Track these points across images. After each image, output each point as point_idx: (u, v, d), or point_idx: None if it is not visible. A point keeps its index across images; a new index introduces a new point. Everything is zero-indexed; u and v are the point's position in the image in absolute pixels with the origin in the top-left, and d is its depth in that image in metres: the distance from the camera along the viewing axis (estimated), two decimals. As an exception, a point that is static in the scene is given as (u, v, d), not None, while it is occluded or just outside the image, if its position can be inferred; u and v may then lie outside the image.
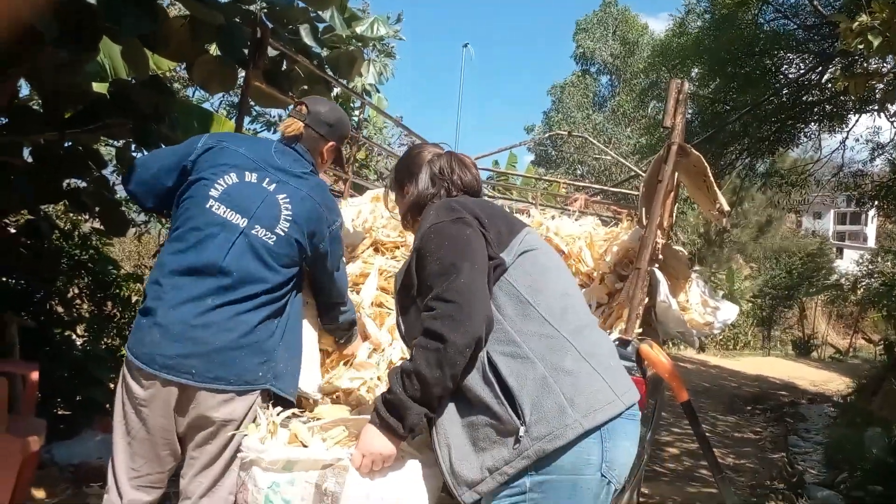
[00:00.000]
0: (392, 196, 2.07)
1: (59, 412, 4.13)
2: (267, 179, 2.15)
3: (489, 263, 1.61)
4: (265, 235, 2.09)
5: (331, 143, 2.33)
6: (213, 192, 2.09)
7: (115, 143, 4.72)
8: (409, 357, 1.57)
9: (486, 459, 1.53)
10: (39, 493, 3.33)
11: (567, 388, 1.53)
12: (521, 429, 1.49)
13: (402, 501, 1.58)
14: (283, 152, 2.23)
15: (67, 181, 4.14)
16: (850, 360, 19.34)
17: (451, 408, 1.60)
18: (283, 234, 2.11)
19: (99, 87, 3.06)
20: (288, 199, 2.14)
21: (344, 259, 2.45)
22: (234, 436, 2.02)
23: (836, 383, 13.25)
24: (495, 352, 1.56)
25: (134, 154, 3.99)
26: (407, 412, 1.54)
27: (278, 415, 1.98)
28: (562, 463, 1.51)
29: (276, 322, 2.11)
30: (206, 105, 7.37)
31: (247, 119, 7.05)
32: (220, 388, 1.98)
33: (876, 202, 10.54)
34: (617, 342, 2.57)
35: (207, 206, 2.07)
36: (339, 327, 2.53)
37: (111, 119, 3.43)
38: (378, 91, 7.16)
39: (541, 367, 1.54)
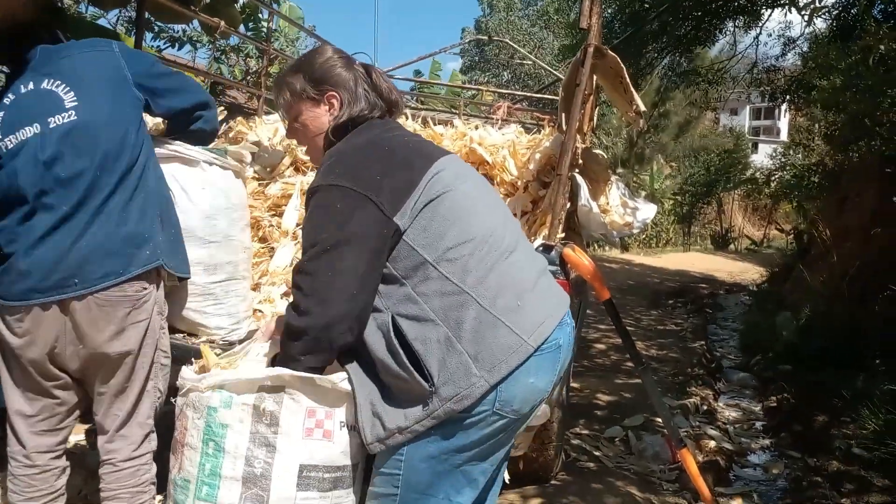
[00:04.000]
0: (292, 115, 1.80)
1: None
2: (21, 86, 1.95)
3: (380, 233, 1.54)
4: (67, 117, 1.91)
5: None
6: None
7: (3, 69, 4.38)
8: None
9: (397, 417, 1.54)
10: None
11: (469, 346, 1.51)
12: (430, 391, 1.50)
13: (337, 413, 1.61)
14: (19, 61, 2.02)
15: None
16: (765, 250, 20.40)
17: (359, 365, 1.60)
18: (77, 103, 1.93)
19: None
20: (51, 80, 1.94)
21: (162, 67, 2.24)
22: (139, 359, 1.98)
23: (751, 273, 14.02)
24: (400, 316, 1.55)
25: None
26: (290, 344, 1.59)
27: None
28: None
29: (142, 199, 1.98)
30: (101, 22, 6.85)
31: (149, 36, 6.61)
32: (111, 283, 1.89)
33: (787, 97, 10.88)
34: (541, 248, 2.62)
35: (3, 150, 1.91)
36: (196, 138, 2.34)
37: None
38: (287, -1, 6.82)
39: (443, 327, 1.52)
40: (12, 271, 1.89)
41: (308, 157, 1.90)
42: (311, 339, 1.54)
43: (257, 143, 3.40)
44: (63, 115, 1.91)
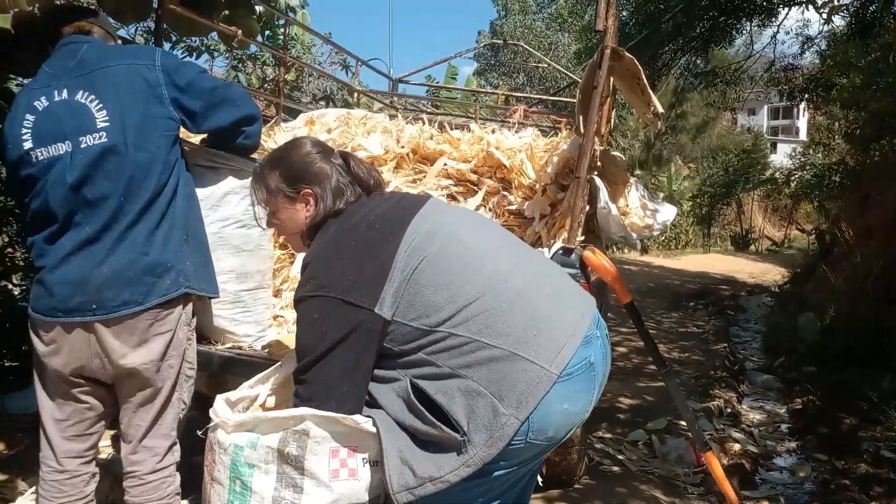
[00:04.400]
0: (270, 210, 1.77)
1: (7, 364, 4.04)
2: (55, 92, 1.94)
3: (363, 328, 1.53)
4: (97, 139, 1.90)
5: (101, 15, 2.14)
6: (28, 145, 1.93)
7: (26, 81, 4.44)
8: None
9: (430, 467, 1.50)
10: (-2, 446, 3.30)
11: (493, 387, 1.48)
12: (462, 440, 1.48)
13: (360, 448, 1.60)
14: (56, 57, 2.01)
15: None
16: (786, 250, 20.21)
17: (386, 419, 1.57)
18: (108, 124, 1.90)
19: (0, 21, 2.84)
20: (85, 92, 1.92)
21: (205, 72, 2.18)
22: (163, 370, 1.98)
23: (772, 274, 13.86)
24: (417, 378, 1.54)
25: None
26: None
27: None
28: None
29: (168, 224, 1.97)
30: (122, 33, 6.94)
31: (166, 46, 6.69)
32: (130, 312, 1.90)
33: (806, 95, 10.78)
34: (561, 251, 2.61)
35: (33, 160, 1.93)
36: (235, 152, 2.31)
37: (17, 55, 3.20)
38: (303, 7, 6.85)
39: (463, 376, 1.50)
40: (40, 286, 1.94)
41: (293, 250, 1.98)
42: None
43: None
44: (94, 135, 1.90)
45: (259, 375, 1.84)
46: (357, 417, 1.58)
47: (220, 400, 1.69)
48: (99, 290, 1.88)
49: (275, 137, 3.56)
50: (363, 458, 1.59)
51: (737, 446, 4.43)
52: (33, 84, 2.00)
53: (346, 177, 1.74)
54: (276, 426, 1.58)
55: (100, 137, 1.89)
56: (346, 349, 1.54)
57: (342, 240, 1.64)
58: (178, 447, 2.10)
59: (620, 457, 4.07)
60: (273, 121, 3.97)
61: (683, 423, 4.51)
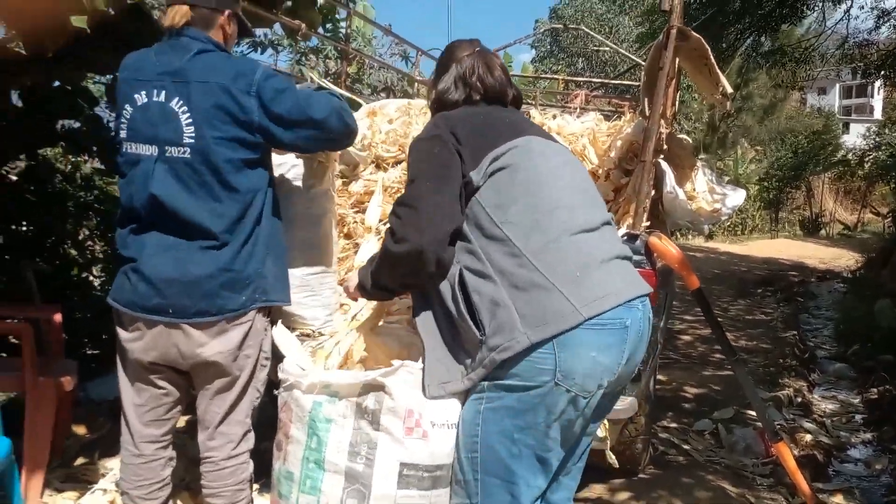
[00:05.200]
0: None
1: (88, 352, 4.23)
2: (155, 91, 1.94)
3: (460, 182, 1.70)
4: (180, 153, 1.91)
5: (227, 13, 2.06)
6: (122, 134, 1.97)
7: (104, 79, 4.63)
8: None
9: (454, 364, 1.68)
10: (80, 430, 3.44)
11: (521, 304, 1.60)
12: (481, 339, 1.61)
13: (430, 412, 1.64)
14: (165, 51, 1.98)
15: (61, 123, 4.06)
16: (859, 234, 19.44)
17: (429, 314, 1.76)
18: (193, 141, 1.91)
19: (77, 21, 2.95)
20: (181, 101, 1.92)
21: (307, 90, 2.15)
22: (240, 360, 2.02)
23: (845, 259, 13.36)
24: (466, 268, 1.68)
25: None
26: (367, 282, 1.84)
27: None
28: (516, 370, 1.60)
29: (249, 241, 1.99)
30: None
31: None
32: (203, 321, 1.94)
33: (882, 72, 10.28)
34: (625, 237, 2.58)
35: (124, 150, 1.98)
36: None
37: (94, 54, 3.33)
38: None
39: (499, 284, 1.62)
40: (124, 279, 2.00)
41: None
42: (402, 263, 1.70)
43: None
44: (178, 148, 1.92)
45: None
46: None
47: (288, 361, 1.74)
48: (177, 297, 1.93)
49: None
50: (431, 421, 1.64)
51: (808, 437, 4.30)
52: (136, 69, 1.99)
53: (476, 75, 1.93)
54: (352, 387, 1.63)
55: (183, 152, 1.92)
56: (450, 188, 1.70)
57: (473, 113, 1.88)
58: (252, 434, 2.14)
59: (686, 447, 4.01)
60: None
61: (751, 412, 4.41)
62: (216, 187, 1.94)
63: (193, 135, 1.91)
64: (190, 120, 1.92)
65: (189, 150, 1.92)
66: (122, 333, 2.03)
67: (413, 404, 1.62)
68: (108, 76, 4.08)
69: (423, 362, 1.71)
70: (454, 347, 1.71)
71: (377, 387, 1.62)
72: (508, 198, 1.69)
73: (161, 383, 2.08)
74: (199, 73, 1.94)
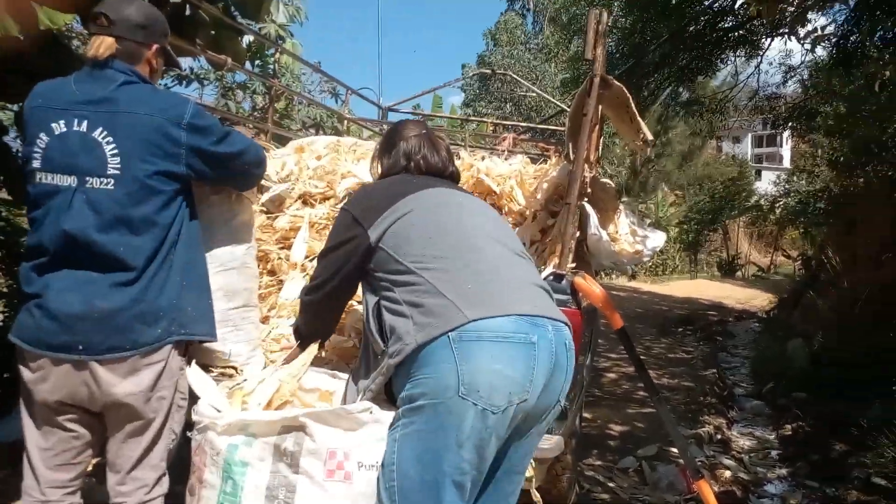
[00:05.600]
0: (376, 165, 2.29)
1: (-13, 392, 3.96)
2: (76, 120, 1.87)
3: (356, 241, 1.94)
4: (103, 184, 1.85)
5: (154, 47, 2.03)
6: (36, 164, 1.88)
7: (12, 107, 4.43)
8: None
9: (369, 373, 1.88)
10: (-25, 476, 3.21)
11: (417, 316, 1.73)
12: (385, 350, 1.78)
13: (354, 453, 1.59)
14: (85, 80, 1.92)
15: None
16: (773, 276, 20.38)
17: (362, 352, 2.04)
18: (118, 173, 1.85)
19: (-12, 47, 2.83)
20: (105, 132, 1.86)
21: (227, 128, 2.16)
22: (153, 401, 1.93)
23: (759, 300, 13.95)
24: (383, 299, 1.87)
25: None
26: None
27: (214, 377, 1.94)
28: (424, 389, 1.64)
29: (161, 271, 1.92)
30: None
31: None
32: (115, 357, 1.86)
33: (790, 123, 10.93)
34: (551, 276, 2.60)
35: (36, 180, 1.89)
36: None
37: (5, 81, 3.19)
38: (292, 36, 6.89)
39: (405, 306, 1.78)
40: (28, 315, 1.89)
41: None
42: (308, 305, 2.13)
43: (266, 178, 3.41)
44: (102, 180, 1.85)
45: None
46: (350, 407, 1.65)
47: (203, 402, 1.66)
48: (87, 333, 1.84)
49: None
50: (358, 462, 1.61)
51: (727, 473, 4.40)
52: (53, 98, 1.92)
53: (408, 154, 2.16)
54: (272, 427, 1.56)
55: (106, 184, 1.85)
56: (345, 251, 1.98)
57: (380, 184, 2.15)
58: (166, 478, 2.04)
59: (611, 484, 4.04)
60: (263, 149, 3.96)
61: (674, 449, 4.49)
62: (136, 221, 1.88)
63: (119, 166, 1.86)
64: (115, 151, 1.86)
65: (113, 181, 1.86)
66: (26, 373, 1.91)
67: (336, 445, 1.58)
68: (16, 105, 3.91)
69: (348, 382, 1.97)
70: (368, 366, 1.92)
71: (297, 427, 1.56)
72: (404, 238, 1.89)
73: (70, 426, 1.96)
74: (127, 103, 1.90)
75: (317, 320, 2.19)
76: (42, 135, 1.88)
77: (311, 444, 1.56)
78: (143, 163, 1.88)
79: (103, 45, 1.92)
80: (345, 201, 2.16)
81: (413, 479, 1.61)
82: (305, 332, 2.20)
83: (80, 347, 1.84)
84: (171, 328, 1.93)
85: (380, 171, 2.24)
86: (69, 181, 1.86)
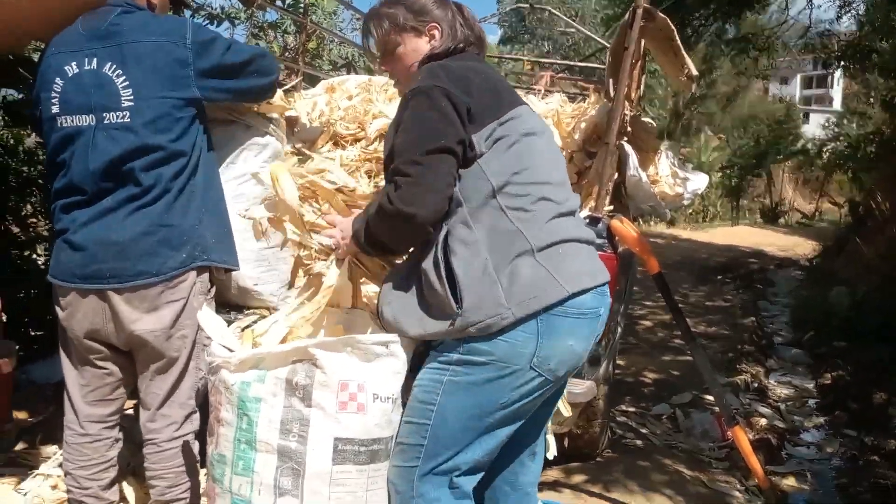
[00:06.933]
0: (390, 47, 1.79)
1: (32, 333, 4.07)
2: (86, 59, 1.89)
3: (459, 144, 1.58)
4: (120, 118, 1.87)
5: None
6: (55, 109, 1.91)
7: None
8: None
9: (424, 325, 1.61)
10: (22, 415, 3.31)
11: (505, 279, 1.55)
12: (458, 311, 1.55)
13: (368, 385, 1.59)
14: (90, 17, 1.94)
15: (2, 93, 3.87)
16: (817, 223, 19.85)
17: (405, 267, 1.72)
18: (132, 104, 1.87)
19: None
20: (114, 65, 1.88)
21: (232, 41, 2.15)
22: (174, 340, 1.96)
23: (802, 247, 13.60)
24: (451, 233, 1.59)
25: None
26: (362, 238, 1.68)
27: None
28: (494, 350, 1.56)
29: (182, 195, 1.94)
30: None
31: (187, 13, 6.59)
32: (143, 283, 1.89)
33: (842, 63, 10.42)
34: (587, 220, 2.53)
35: (58, 125, 1.92)
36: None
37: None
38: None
39: (487, 256, 1.56)
40: (59, 251, 1.94)
41: (400, 92, 1.87)
42: (409, 225, 1.57)
43: (296, 119, 3.36)
44: (117, 113, 1.87)
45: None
46: (364, 337, 1.60)
47: (215, 343, 1.67)
48: (115, 259, 1.87)
49: (294, 105, 3.50)
50: (374, 394, 1.60)
51: (763, 421, 4.36)
52: (64, 43, 1.94)
53: (462, 19, 1.79)
54: (282, 360, 1.57)
55: (123, 116, 1.87)
56: (449, 154, 1.57)
57: (473, 67, 1.70)
58: (197, 416, 2.08)
59: (644, 430, 4.03)
60: (293, 87, 3.90)
61: (708, 397, 4.45)
62: (155, 149, 1.89)
63: (133, 97, 1.88)
64: (126, 83, 1.87)
65: (129, 113, 1.88)
66: (59, 310, 1.98)
67: (348, 376, 1.57)
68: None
69: (389, 310, 1.66)
70: (420, 305, 1.63)
71: (307, 358, 1.56)
72: (508, 166, 1.61)
73: (101, 363, 2.02)
74: (129, 32, 1.91)
75: (400, 241, 1.70)
76: (58, 79, 1.91)
77: (322, 377, 1.55)
78: (154, 90, 1.89)
79: None
80: (439, 79, 1.62)
81: (451, 427, 1.60)
82: (370, 242, 1.68)
83: (108, 275, 1.88)
84: (194, 252, 1.95)
85: (416, 52, 1.77)
86: (88, 120, 1.89)
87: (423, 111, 1.59)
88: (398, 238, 1.67)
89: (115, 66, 1.88)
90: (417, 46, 1.77)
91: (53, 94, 1.91)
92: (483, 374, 1.58)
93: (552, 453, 2.26)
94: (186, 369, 2.01)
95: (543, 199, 1.63)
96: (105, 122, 1.88)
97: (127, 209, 1.89)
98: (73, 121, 1.90)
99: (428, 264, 1.60)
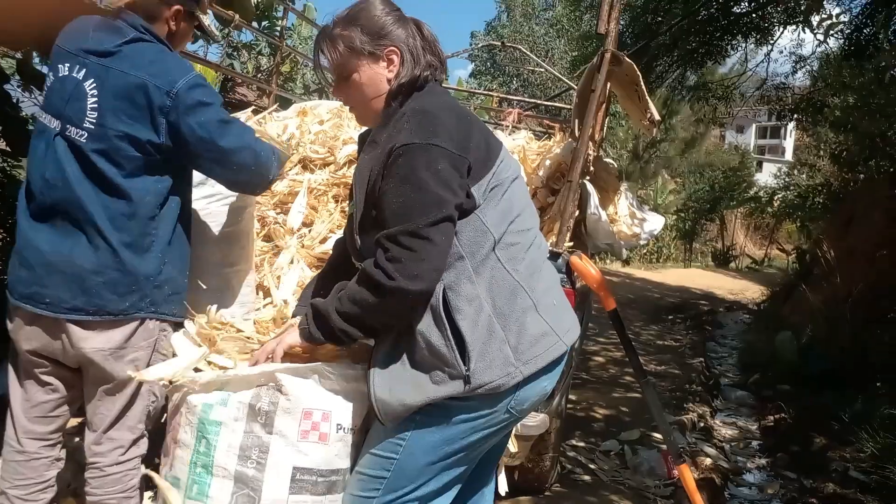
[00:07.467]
0: (347, 71, 1.64)
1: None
2: (77, 67, 1.82)
3: (458, 207, 1.49)
4: (77, 134, 1.80)
5: (174, 8, 1.95)
6: (41, 101, 1.91)
7: (15, 54, 4.34)
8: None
9: (425, 391, 1.51)
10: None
11: (512, 336, 1.52)
12: (465, 373, 1.49)
13: (333, 415, 1.58)
14: (103, 29, 1.86)
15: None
16: (766, 269, 20.40)
17: (391, 338, 1.57)
18: (92, 127, 1.79)
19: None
20: (94, 84, 1.80)
21: (229, 117, 1.95)
22: (124, 361, 1.86)
23: (751, 292, 13.97)
24: (452, 290, 1.50)
25: (36, 64, 3.67)
26: (331, 324, 1.52)
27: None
28: (474, 396, 1.54)
29: (142, 244, 1.84)
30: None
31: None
32: (76, 318, 1.81)
33: (796, 115, 10.86)
34: (548, 255, 2.59)
35: (38, 118, 1.89)
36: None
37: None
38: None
39: (491, 311, 1.51)
40: (12, 262, 1.89)
41: (358, 120, 1.74)
42: (409, 300, 1.46)
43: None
44: (78, 131, 1.81)
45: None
46: (332, 366, 1.58)
47: (184, 360, 1.65)
48: (55, 287, 1.80)
49: (265, 126, 3.51)
50: (337, 424, 1.58)
51: (708, 461, 4.44)
52: (70, 37, 1.88)
53: (422, 41, 1.65)
54: (247, 383, 1.55)
55: (80, 135, 1.81)
56: (450, 218, 1.47)
57: (455, 109, 1.58)
58: (145, 440, 2.00)
59: (592, 466, 4.07)
60: (265, 109, 3.91)
61: (656, 435, 4.52)
62: (110, 181, 1.81)
63: (94, 121, 1.81)
64: (95, 104, 1.81)
65: (87, 135, 1.81)
66: (8, 322, 1.92)
67: (313, 405, 1.56)
68: (18, 51, 3.84)
69: (378, 387, 1.53)
70: (416, 376, 1.52)
71: (272, 382, 1.54)
72: (503, 214, 1.55)
73: (46, 378, 1.94)
74: (123, 60, 1.83)
75: (390, 317, 1.53)
76: (51, 74, 1.89)
77: (286, 403, 1.54)
78: (115, 121, 1.80)
79: None
80: (433, 134, 1.48)
81: (417, 462, 1.57)
82: (347, 326, 1.52)
83: (47, 300, 1.81)
84: (140, 304, 1.86)
85: (393, 74, 1.61)
86: (55, 124, 1.84)
87: (420, 173, 1.45)
88: (391, 314, 1.51)
89: (94, 84, 1.82)
90: (375, 74, 1.62)
91: (45, 88, 1.89)
92: (458, 413, 1.55)
93: (504, 489, 2.28)
94: (138, 392, 1.93)
95: (533, 247, 1.62)
96: (67, 133, 1.82)
97: (76, 240, 1.81)
98: (45, 120, 1.86)
99: (426, 326, 1.50)
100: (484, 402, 1.53)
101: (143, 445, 2.00)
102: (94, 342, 1.84)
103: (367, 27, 1.60)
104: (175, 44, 2.00)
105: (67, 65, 1.85)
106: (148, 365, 1.91)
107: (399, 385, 1.52)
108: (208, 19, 2.16)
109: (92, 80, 1.82)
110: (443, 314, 1.48)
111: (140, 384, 1.92)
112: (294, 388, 1.55)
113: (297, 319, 1.68)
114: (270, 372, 1.54)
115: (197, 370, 1.63)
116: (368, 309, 1.49)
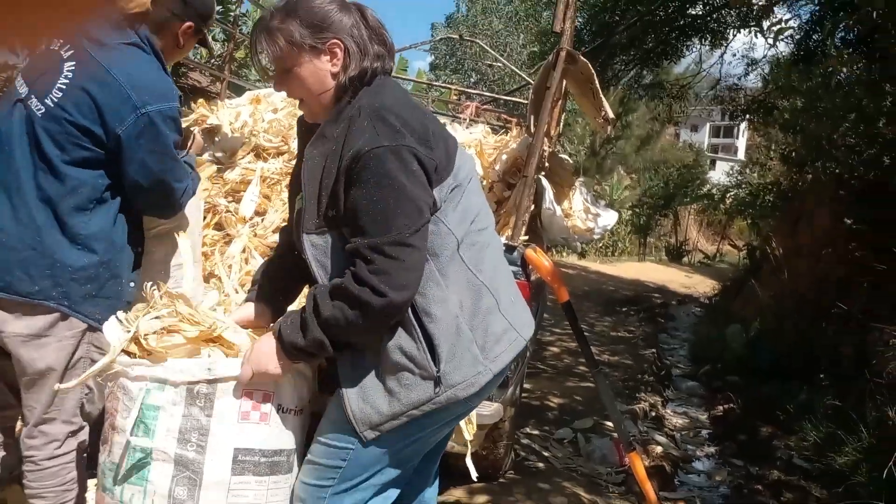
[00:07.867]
0: (287, 65, 1.53)
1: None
2: (67, 45, 1.80)
3: (432, 201, 1.47)
4: (35, 107, 1.76)
5: (187, 24, 1.94)
6: (26, 65, 1.91)
7: None
8: (326, 287, 1.47)
9: (395, 403, 1.50)
10: None
11: (479, 336, 1.53)
12: (436, 376, 1.48)
13: (275, 396, 1.58)
14: (115, 28, 1.84)
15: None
16: (717, 264, 20.86)
17: (358, 353, 1.54)
18: (52, 105, 1.76)
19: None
20: (73, 69, 1.77)
21: (177, 156, 1.94)
22: (49, 350, 1.80)
23: (703, 286, 14.29)
24: (420, 293, 1.47)
25: None
26: (310, 336, 1.46)
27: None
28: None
29: (75, 232, 1.79)
30: None
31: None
32: (4, 296, 1.74)
33: (748, 115, 11.13)
34: (503, 248, 2.62)
35: (16, 79, 1.89)
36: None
37: None
38: (260, -14, 6.68)
39: (458, 312, 1.50)
40: None
41: (306, 115, 1.64)
42: (393, 311, 1.43)
43: (217, 128, 3.33)
44: (37, 104, 1.77)
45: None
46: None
47: (114, 348, 1.60)
48: None
49: (217, 113, 3.47)
50: (279, 405, 1.57)
51: (659, 449, 4.55)
52: (90, 30, 1.83)
53: (367, 30, 1.56)
54: (184, 373, 1.53)
55: (38, 108, 1.78)
56: (425, 222, 1.45)
57: (415, 105, 1.56)
58: (84, 431, 1.94)
59: (546, 454, 4.13)
60: (217, 96, 3.86)
61: (609, 424, 4.61)
62: (51, 161, 1.77)
63: (56, 101, 1.78)
64: (65, 86, 1.78)
65: (44, 110, 1.78)
66: None
67: (252, 386, 1.54)
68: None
69: (350, 398, 1.51)
70: (388, 383, 1.50)
71: (212, 370, 1.53)
72: (465, 218, 1.53)
73: None
74: (113, 59, 1.79)
75: (375, 330, 1.49)
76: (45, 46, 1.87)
77: (225, 385, 1.52)
78: (74, 109, 1.77)
79: (136, 2, 1.84)
80: (402, 136, 1.43)
81: (375, 452, 1.56)
82: (331, 344, 1.46)
83: None
84: (51, 292, 1.78)
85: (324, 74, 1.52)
86: (24, 90, 1.81)
87: (397, 177, 1.41)
88: (379, 329, 1.48)
89: (74, 70, 1.79)
90: (318, 68, 1.52)
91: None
92: (435, 414, 1.55)
93: (474, 474, 2.28)
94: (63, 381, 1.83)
95: (491, 245, 1.62)
96: (28, 101, 1.79)
97: (3, 207, 1.77)
98: (18, 84, 1.84)
99: (396, 331, 1.48)
100: (446, 399, 1.53)
101: (83, 435, 1.94)
102: (13, 326, 1.78)
103: (307, 19, 1.50)
104: (173, 57, 2.01)
105: (67, 44, 1.83)
106: (68, 367, 1.85)
107: (373, 395, 1.51)
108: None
109: (73, 63, 1.79)
110: (412, 318, 1.48)
111: (63, 377, 1.84)
112: (233, 370, 1.53)
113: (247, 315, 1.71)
114: (206, 370, 1.52)
115: (129, 354, 1.57)
116: (354, 330, 1.44)
